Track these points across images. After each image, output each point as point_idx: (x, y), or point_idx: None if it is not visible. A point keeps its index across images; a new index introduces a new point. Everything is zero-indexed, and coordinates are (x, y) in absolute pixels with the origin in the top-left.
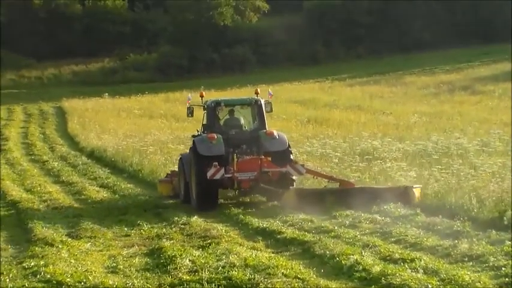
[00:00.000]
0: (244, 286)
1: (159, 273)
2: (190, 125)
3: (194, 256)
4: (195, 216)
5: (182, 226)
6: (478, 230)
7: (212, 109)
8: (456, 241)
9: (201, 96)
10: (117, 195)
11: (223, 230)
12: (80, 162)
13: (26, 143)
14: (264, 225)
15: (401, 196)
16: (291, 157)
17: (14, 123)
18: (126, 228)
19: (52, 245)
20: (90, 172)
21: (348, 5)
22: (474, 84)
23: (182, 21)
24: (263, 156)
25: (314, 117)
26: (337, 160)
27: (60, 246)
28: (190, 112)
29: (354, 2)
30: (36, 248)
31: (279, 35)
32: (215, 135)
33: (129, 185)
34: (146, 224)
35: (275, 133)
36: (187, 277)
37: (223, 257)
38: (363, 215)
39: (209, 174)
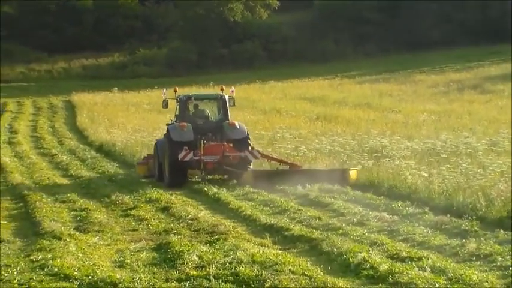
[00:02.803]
0: (251, 282)
1: (167, 268)
2: None
3: (201, 251)
4: (203, 212)
5: (190, 221)
6: (486, 229)
7: (184, 102)
8: (464, 240)
9: (175, 91)
10: (125, 190)
11: (231, 226)
12: (89, 156)
13: (35, 136)
14: (272, 222)
15: (339, 177)
16: (249, 144)
17: (23, 117)
18: (133, 223)
19: (60, 239)
20: (98, 166)
21: (358, 3)
22: (484, 84)
23: (192, 16)
24: (225, 143)
25: (323, 115)
26: (345, 157)
27: (67, 239)
28: (165, 104)
29: (364, 0)
30: (44, 241)
31: (288, 32)
32: (186, 124)
33: (136, 180)
34: (154, 219)
35: (236, 124)
36: (195, 272)
37: (231, 253)
38: (371, 213)
39: (180, 156)
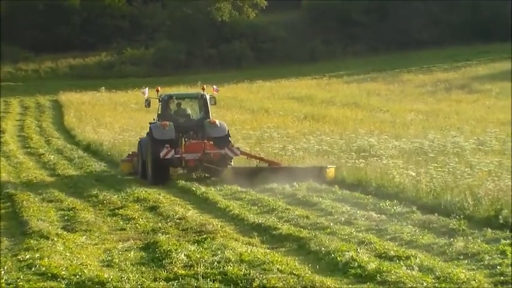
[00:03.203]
0: (239, 281)
1: (155, 268)
2: None
3: (189, 251)
4: (191, 211)
5: (178, 221)
6: (474, 228)
7: (165, 101)
8: (452, 239)
9: (157, 90)
10: (112, 189)
11: (219, 225)
12: (76, 156)
13: (22, 135)
14: (260, 221)
15: (317, 174)
16: (230, 142)
17: (10, 116)
18: (121, 222)
19: (47, 238)
20: (86, 166)
21: (346, 3)
22: (471, 83)
23: (180, 16)
24: (206, 141)
25: (311, 114)
26: (333, 157)
27: (55, 239)
28: (147, 104)
29: (353, 0)
30: (32, 241)
31: (276, 32)
32: (167, 123)
33: (124, 179)
34: (142, 218)
35: (217, 122)
36: (183, 272)
37: (219, 252)
38: (358, 212)
39: (162, 154)
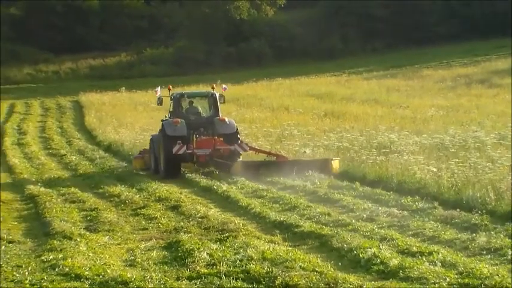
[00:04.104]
0: (262, 279)
1: (177, 267)
2: None
3: (212, 249)
4: (213, 210)
5: (200, 220)
6: (496, 223)
7: (177, 99)
8: (474, 234)
9: (169, 89)
10: (134, 189)
11: (241, 224)
12: (98, 156)
13: (44, 137)
14: (282, 219)
15: (322, 167)
16: (238, 138)
17: (31, 118)
18: (143, 222)
19: (70, 239)
20: (107, 166)
21: None
22: (491, 78)
23: (198, 15)
24: (216, 137)
25: (331, 111)
26: (354, 154)
27: (78, 239)
28: (160, 102)
29: None
30: (55, 242)
31: (295, 29)
32: (179, 120)
33: (146, 179)
34: (164, 218)
35: (226, 120)
36: (205, 270)
37: (241, 251)
38: (380, 208)
39: (174, 150)
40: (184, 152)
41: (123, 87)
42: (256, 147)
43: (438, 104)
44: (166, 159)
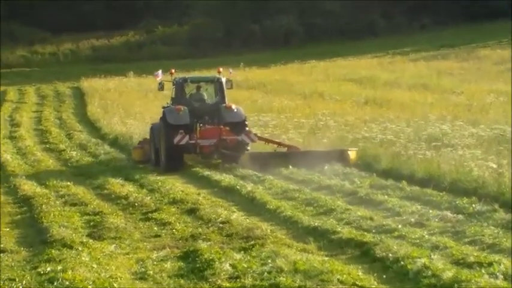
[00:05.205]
0: None
1: (195, 280)
2: None
3: (235, 260)
4: (236, 214)
5: (221, 225)
6: None
7: (180, 84)
8: None
9: (171, 73)
10: (144, 189)
11: (269, 230)
12: (102, 152)
13: (40, 129)
14: (316, 224)
15: (338, 158)
16: (246, 127)
17: (25, 107)
18: (155, 228)
19: (71, 247)
20: (113, 163)
21: None
22: None
23: None
24: (222, 126)
25: (372, 98)
26: (400, 148)
27: (80, 248)
28: (161, 87)
29: None
30: (53, 251)
31: (329, 4)
32: (181, 107)
33: (158, 178)
34: (179, 223)
35: (233, 107)
36: (227, 284)
37: (269, 261)
38: (431, 211)
39: (176, 140)
40: (186, 142)
41: (131, 72)
42: (265, 136)
43: (498, 89)
44: (168, 150)
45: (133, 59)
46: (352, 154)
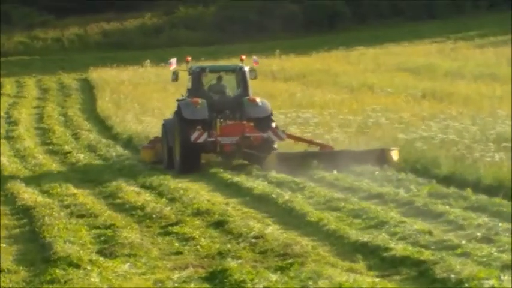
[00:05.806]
0: None
1: None
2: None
3: (270, 281)
4: (271, 227)
5: (253, 240)
6: None
7: (197, 74)
8: None
9: (187, 61)
10: (164, 199)
11: (310, 246)
12: (114, 154)
13: (42, 128)
14: (365, 239)
15: (378, 158)
16: (273, 123)
17: (25, 102)
18: (177, 244)
19: (78, 266)
20: (127, 168)
21: None
22: None
23: None
24: (245, 122)
25: (431, 91)
26: (464, 150)
27: (88, 267)
28: (175, 77)
29: None
30: (57, 270)
31: None
32: (199, 100)
33: (180, 185)
34: (204, 238)
35: (258, 100)
36: None
37: (310, 283)
38: (501, 224)
39: (193, 137)
40: (205, 140)
41: (148, 60)
42: (297, 135)
43: None
44: (183, 148)
45: (150, 46)
46: (395, 154)
